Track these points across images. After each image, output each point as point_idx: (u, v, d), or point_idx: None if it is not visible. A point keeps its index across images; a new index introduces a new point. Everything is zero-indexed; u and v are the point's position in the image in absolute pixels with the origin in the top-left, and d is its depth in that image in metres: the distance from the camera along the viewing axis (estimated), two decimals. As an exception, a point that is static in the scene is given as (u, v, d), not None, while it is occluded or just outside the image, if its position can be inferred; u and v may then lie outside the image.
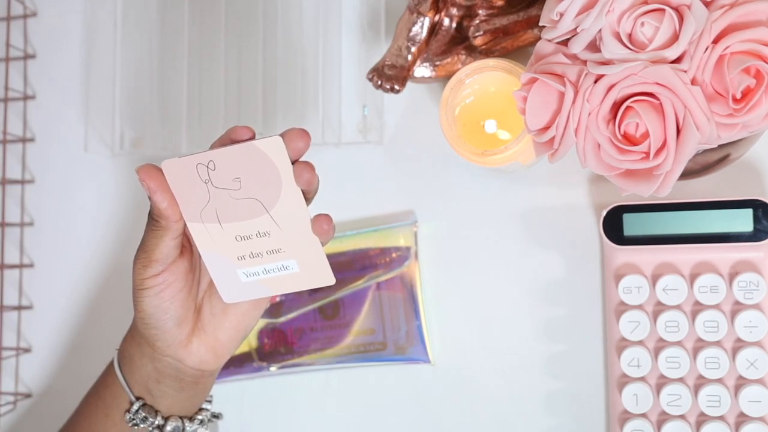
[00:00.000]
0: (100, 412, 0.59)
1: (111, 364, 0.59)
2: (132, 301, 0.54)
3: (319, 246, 0.51)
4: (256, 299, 0.55)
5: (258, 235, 0.51)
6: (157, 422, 0.57)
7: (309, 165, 0.49)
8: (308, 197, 0.51)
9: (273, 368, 0.70)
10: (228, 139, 0.51)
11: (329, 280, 0.53)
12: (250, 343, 0.71)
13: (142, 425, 0.57)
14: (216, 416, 0.63)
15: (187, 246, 0.53)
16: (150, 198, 0.50)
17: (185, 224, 0.51)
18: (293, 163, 0.49)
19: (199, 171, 0.50)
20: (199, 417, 0.59)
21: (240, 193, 0.50)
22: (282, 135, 0.49)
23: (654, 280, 0.62)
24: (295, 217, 0.51)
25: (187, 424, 0.58)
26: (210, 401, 0.61)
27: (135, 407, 0.56)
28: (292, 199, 0.50)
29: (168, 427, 0.57)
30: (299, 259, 0.52)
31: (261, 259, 0.52)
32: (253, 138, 0.50)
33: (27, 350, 0.78)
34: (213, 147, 0.51)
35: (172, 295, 0.52)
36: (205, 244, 0.52)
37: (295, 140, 0.49)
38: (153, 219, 0.51)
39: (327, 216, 0.51)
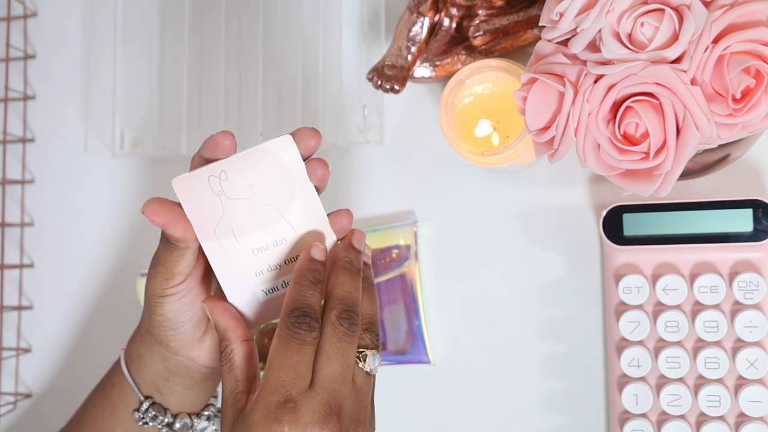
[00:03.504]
0: (106, 411, 0.59)
1: (117, 363, 0.59)
2: (146, 306, 0.53)
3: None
4: None
5: (275, 244, 0.51)
6: (166, 420, 0.57)
7: (322, 161, 0.50)
8: (320, 191, 0.51)
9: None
10: (208, 150, 0.50)
11: None
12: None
13: (151, 423, 0.57)
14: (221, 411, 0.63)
15: (200, 250, 0.53)
16: (163, 231, 0.50)
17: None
18: (305, 161, 0.49)
19: (211, 184, 0.49)
20: (206, 413, 0.60)
21: (254, 201, 0.50)
22: (292, 134, 0.49)
23: (654, 280, 0.62)
24: (310, 216, 0.50)
25: (195, 420, 0.59)
26: (216, 396, 0.62)
27: (145, 406, 0.57)
28: (307, 198, 0.50)
29: (177, 424, 0.58)
30: None
31: (279, 270, 0.51)
32: (233, 142, 0.49)
33: (27, 350, 0.78)
34: (193, 163, 0.51)
35: (192, 299, 0.53)
36: (221, 264, 0.51)
37: (306, 139, 0.49)
38: (170, 242, 0.50)
39: (347, 211, 0.52)
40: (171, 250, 0.51)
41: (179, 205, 0.50)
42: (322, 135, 0.50)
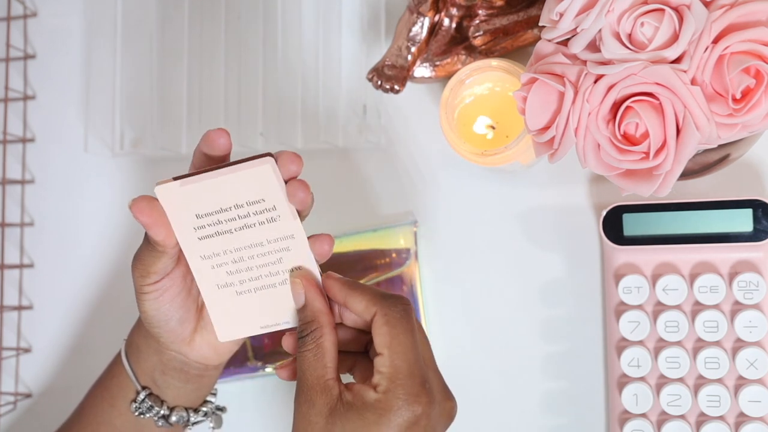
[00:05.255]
0: (105, 402, 0.59)
1: (118, 355, 0.59)
2: (135, 301, 0.54)
3: (318, 271, 0.51)
4: None
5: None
6: (162, 412, 0.57)
7: (303, 183, 0.49)
8: (302, 216, 0.51)
9: (272, 368, 0.70)
10: (206, 146, 0.50)
11: None
12: (249, 343, 0.71)
13: (147, 414, 0.57)
14: (220, 409, 0.63)
15: (181, 254, 0.53)
16: (146, 231, 0.50)
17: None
18: (287, 182, 0.49)
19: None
20: (204, 409, 0.60)
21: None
22: (274, 156, 0.49)
23: (654, 280, 0.62)
24: (292, 241, 0.50)
25: (191, 416, 0.59)
26: (215, 394, 0.62)
27: (141, 396, 0.57)
28: (287, 220, 0.50)
29: (173, 417, 0.58)
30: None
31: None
32: (228, 140, 0.50)
33: (27, 350, 0.78)
34: (195, 156, 0.51)
35: (171, 298, 0.53)
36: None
37: (287, 164, 0.49)
38: (150, 242, 0.50)
39: (328, 236, 0.51)
40: (149, 250, 0.51)
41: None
42: (302, 160, 0.49)
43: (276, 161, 0.48)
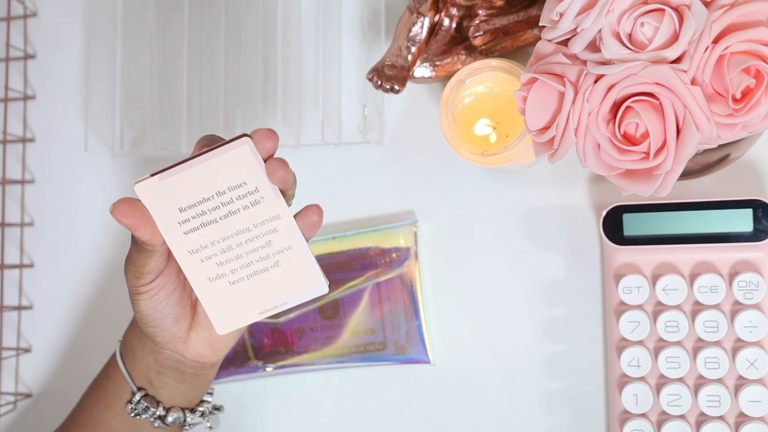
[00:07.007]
0: (101, 403, 0.59)
1: (113, 355, 0.59)
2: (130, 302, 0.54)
3: (307, 248, 0.51)
4: None
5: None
6: (158, 413, 0.57)
7: (281, 161, 0.49)
8: (287, 195, 0.50)
9: (272, 368, 0.71)
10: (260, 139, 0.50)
11: (321, 287, 0.52)
12: (249, 343, 0.71)
13: (143, 415, 0.57)
14: (217, 408, 0.63)
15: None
16: (132, 233, 0.50)
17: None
18: (265, 161, 0.49)
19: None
20: (201, 409, 0.60)
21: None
22: (250, 135, 0.48)
23: (654, 280, 0.62)
24: (278, 222, 0.50)
25: (188, 416, 0.59)
26: (211, 393, 0.62)
27: (137, 397, 0.57)
28: (271, 201, 0.49)
29: (169, 418, 0.57)
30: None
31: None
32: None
33: (27, 350, 0.78)
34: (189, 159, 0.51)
35: (166, 296, 0.52)
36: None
37: (262, 141, 0.48)
38: (138, 243, 0.50)
39: (316, 206, 0.50)
40: (139, 251, 0.50)
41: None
42: (278, 135, 0.49)
43: (252, 139, 0.48)
